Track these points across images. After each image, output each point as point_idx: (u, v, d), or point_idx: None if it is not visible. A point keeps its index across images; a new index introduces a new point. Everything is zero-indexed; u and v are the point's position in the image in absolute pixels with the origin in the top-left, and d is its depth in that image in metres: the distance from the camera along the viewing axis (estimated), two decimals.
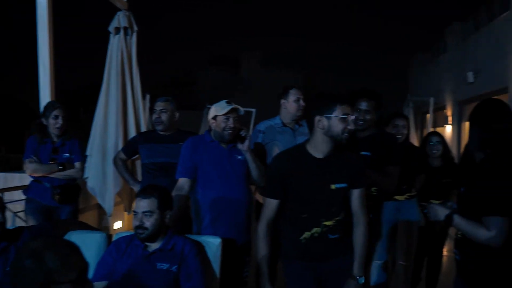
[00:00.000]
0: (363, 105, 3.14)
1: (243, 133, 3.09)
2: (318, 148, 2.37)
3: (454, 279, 2.22)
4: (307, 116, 3.72)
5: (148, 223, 2.41)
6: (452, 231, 2.70)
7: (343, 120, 2.30)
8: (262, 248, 2.43)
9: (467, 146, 3.04)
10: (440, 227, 4.02)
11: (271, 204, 2.43)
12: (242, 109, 3.12)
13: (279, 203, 2.43)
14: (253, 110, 12.27)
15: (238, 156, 3.13)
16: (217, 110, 3.10)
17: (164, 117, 3.72)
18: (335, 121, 2.30)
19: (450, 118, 14.30)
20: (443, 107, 14.90)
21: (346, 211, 2.48)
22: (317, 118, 2.32)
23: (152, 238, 2.44)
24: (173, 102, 3.80)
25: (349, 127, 2.31)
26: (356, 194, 2.47)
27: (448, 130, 14.42)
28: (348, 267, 2.44)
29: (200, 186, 3.10)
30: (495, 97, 11.45)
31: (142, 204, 2.43)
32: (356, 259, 2.45)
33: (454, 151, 12.82)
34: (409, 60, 20.45)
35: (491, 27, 11.68)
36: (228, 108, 3.05)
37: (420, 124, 17.36)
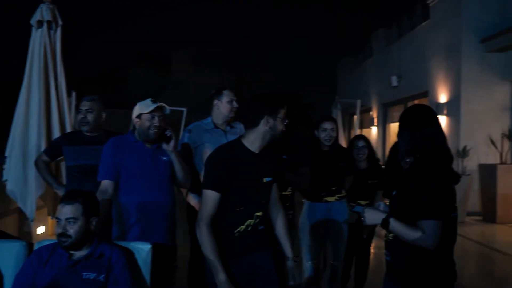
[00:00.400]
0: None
1: (168, 132, 3.01)
2: (256, 144, 2.47)
3: (384, 279, 2.30)
4: (239, 118, 3.74)
5: (72, 230, 2.28)
6: (379, 230, 2.79)
7: (282, 121, 2.49)
8: (208, 244, 2.32)
9: (392, 149, 3.20)
10: (369, 232, 4.17)
11: (212, 198, 2.36)
12: (168, 108, 3.04)
13: (219, 197, 2.37)
14: (184, 109, 12.12)
15: (163, 157, 3.05)
16: (142, 108, 2.99)
17: (90, 117, 3.55)
18: (278, 122, 2.47)
19: (375, 120, 14.93)
20: (369, 109, 15.53)
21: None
22: (266, 117, 2.44)
23: (76, 246, 2.31)
24: (99, 101, 3.63)
25: (283, 129, 2.51)
26: (275, 187, 2.66)
27: (374, 131, 15.05)
28: (265, 264, 2.58)
29: (123, 188, 2.97)
30: (417, 100, 12.13)
31: (65, 211, 2.30)
32: (286, 243, 2.65)
33: (379, 151, 13.42)
34: (337, 63, 21.11)
35: (413, 35, 12.32)
36: (153, 106, 2.95)
37: (348, 125, 17.99)
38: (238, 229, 2.44)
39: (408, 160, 2.19)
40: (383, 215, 2.11)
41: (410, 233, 2.04)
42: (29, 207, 4.32)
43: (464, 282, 2.13)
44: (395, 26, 14.06)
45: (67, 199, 2.35)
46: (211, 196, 2.36)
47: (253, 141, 2.47)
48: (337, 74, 20.97)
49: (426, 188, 2.04)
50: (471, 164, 8.79)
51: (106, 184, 2.92)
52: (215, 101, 3.57)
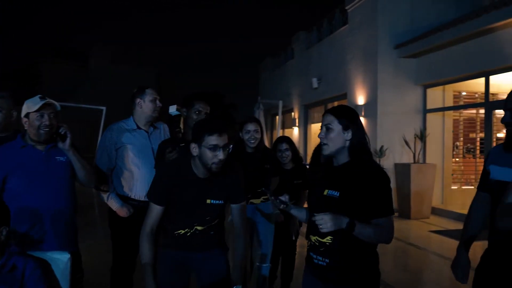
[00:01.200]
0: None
1: (62, 130, 2.82)
2: (199, 169, 2.44)
3: (307, 282, 2.26)
4: (161, 118, 3.63)
5: None
6: (303, 229, 2.82)
7: (213, 149, 2.34)
8: (144, 252, 2.41)
9: (316, 150, 3.20)
10: (297, 235, 4.22)
11: (155, 210, 2.47)
12: (58, 104, 2.84)
13: (163, 209, 2.48)
14: (103, 108, 11.67)
15: (59, 158, 2.85)
16: (29, 106, 2.76)
17: None
18: (205, 150, 2.35)
19: (297, 121, 15.27)
20: (291, 110, 15.86)
21: (220, 218, 2.66)
22: (192, 145, 2.39)
23: None
24: (9, 98, 3.33)
25: (219, 157, 2.35)
26: (236, 208, 2.62)
27: (295, 131, 15.39)
28: (216, 258, 2.62)
29: (13, 196, 2.71)
30: (336, 102, 12.57)
31: None
32: (236, 268, 2.51)
33: (301, 151, 13.73)
34: (259, 63, 21.33)
35: (332, 39, 12.75)
36: (41, 103, 2.73)
37: (270, 125, 18.26)
38: (178, 231, 2.54)
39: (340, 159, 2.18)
40: (346, 219, 1.97)
41: (379, 233, 2.03)
42: None
43: (383, 276, 2.18)
44: (315, 29, 14.46)
45: None
46: (154, 208, 2.48)
47: (196, 166, 2.45)
48: (259, 74, 21.20)
49: (379, 187, 2.06)
50: (387, 163, 9.23)
51: None
52: (138, 100, 3.43)
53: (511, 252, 2.16)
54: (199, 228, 2.54)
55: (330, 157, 2.18)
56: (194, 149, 2.38)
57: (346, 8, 11.51)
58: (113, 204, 3.34)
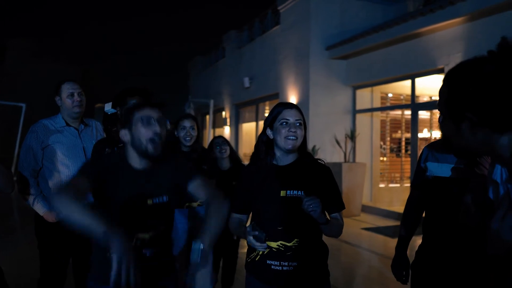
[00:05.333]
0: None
1: None
2: (134, 160, 2.02)
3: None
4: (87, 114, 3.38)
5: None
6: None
7: (146, 122, 1.97)
8: (71, 209, 1.70)
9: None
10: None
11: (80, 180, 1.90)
12: None
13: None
14: (23, 105, 10.92)
15: None
16: None
17: None
18: (137, 128, 1.97)
19: (228, 120, 15.20)
20: (222, 109, 15.76)
21: (167, 224, 2.13)
22: (122, 132, 2.01)
23: None
24: None
25: (155, 130, 1.96)
26: (194, 185, 2.07)
27: (226, 130, 15.31)
28: None
29: None
30: (268, 101, 12.64)
31: None
32: (206, 230, 1.91)
33: None
34: (188, 62, 21.03)
35: (264, 38, 12.81)
36: None
37: (201, 124, 18.05)
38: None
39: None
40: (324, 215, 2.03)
41: (337, 226, 2.12)
42: None
43: None
44: (247, 29, 14.46)
45: None
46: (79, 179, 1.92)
47: (131, 156, 2.03)
48: (189, 73, 20.90)
49: (333, 183, 2.16)
50: None
51: None
52: (57, 98, 3.21)
53: (445, 248, 2.26)
54: (143, 236, 2.02)
55: (269, 155, 2.15)
56: (125, 135, 1.99)
57: (279, 8, 11.60)
58: (40, 208, 3.05)
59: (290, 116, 2.09)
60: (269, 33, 12.49)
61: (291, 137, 2.06)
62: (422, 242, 2.42)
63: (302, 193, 2.03)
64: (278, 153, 2.14)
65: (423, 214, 2.50)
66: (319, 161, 2.19)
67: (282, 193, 2.06)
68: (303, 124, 2.12)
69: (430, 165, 2.38)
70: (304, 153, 2.17)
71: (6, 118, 10.47)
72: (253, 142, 13.06)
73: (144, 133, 1.95)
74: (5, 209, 8.07)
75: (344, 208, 2.18)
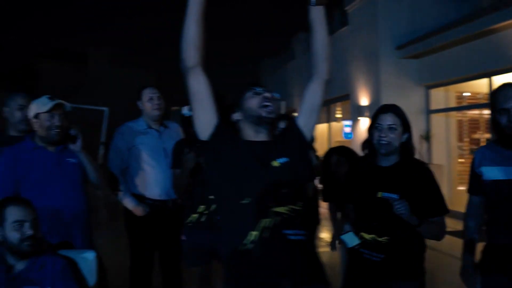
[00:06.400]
0: None
1: (73, 131, 2.81)
2: (250, 135, 1.97)
3: (362, 281, 2.31)
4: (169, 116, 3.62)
5: (39, 232, 2.17)
6: None
7: (255, 95, 1.96)
8: None
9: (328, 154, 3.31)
10: None
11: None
12: (68, 105, 2.82)
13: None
14: (105, 109, 11.61)
15: (71, 159, 2.83)
16: (39, 107, 2.73)
17: None
18: (249, 101, 1.95)
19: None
20: (294, 111, 15.85)
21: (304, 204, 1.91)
22: (235, 116, 1.99)
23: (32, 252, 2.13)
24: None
25: (264, 96, 1.94)
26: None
27: None
28: None
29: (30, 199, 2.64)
30: (339, 103, 12.59)
31: (28, 212, 2.15)
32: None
33: None
34: (257, 65, 21.31)
35: (333, 39, 12.75)
36: (51, 104, 2.71)
37: None
38: (248, 237, 1.77)
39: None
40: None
41: (436, 230, 2.25)
42: None
43: None
44: None
45: (18, 201, 2.19)
46: None
47: (247, 131, 1.97)
48: (259, 76, 21.19)
49: (435, 186, 2.25)
50: None
51: None
52: (138, 103, 3.47)
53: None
54: (279, 210, 1.80)
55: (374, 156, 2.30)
56: (237, 116, 1.96)
57: (346, 8, 11.54)
58: (128, 203, 3.34)
59: (383, 121, 2.24)
60: (337, 34, 12.44)
61: (382, 141, 2.21)
62: (487, 246, 2.41)
63: (397, 196, 2.14)
64: (379, 155, 2.29)
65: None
66: (421, 163, 2.32)
67: (379, 194, 2.20)
68: (403, 126, 2.26)
69: (485, 170, 2.37)
70: (407, 155, 2.27)
71: (90, 121, 11.21)
72: (325, 143, 13.07)
73: (256, 102, 1.92)
74: (94, 206, 8.73)
75: (447, 212, 2.27)
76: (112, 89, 22.41)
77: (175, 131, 3.61)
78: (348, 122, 12.26)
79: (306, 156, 2.10)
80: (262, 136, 1.93)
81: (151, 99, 3.42)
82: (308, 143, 2.02)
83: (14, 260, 2.12)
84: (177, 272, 3.39)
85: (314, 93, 2.03)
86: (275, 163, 1.85)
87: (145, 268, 3.37)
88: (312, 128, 2.03)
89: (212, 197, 2.79)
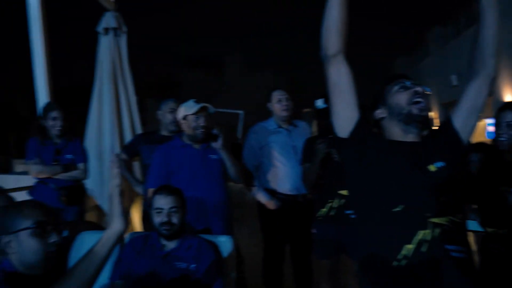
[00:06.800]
0: None
1: (215, 131, 3.09)
2: (397, 135, 1.76)
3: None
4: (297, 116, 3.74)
5: (176, 219, 2.40)
6: None
7: (404, 89, 1.75)
8: None
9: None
10: None
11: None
12: (212, 107, 3.12)
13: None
14: (241, 112, 12.32)
15: (213, 156, 3.12)
16: (186, 109, 3.08)
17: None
18: (397, 96, 1.75)
19: (435, 120, 14.55)
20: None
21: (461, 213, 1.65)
22: (377, 112, 1.81)
23: (176, 234, 2.43)
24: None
25: (415, 91, 1.73)
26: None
27: None
28: None
29: None
30: None
31: (168, 201, 2.42)
32: None
33: None
34: (391, 63, 20.69)
35: (472, 32, 11.87)
36: (197, 106, 3.04)
37: None
38: (401, 252, 1.54)
39: None
40: None
41: None
42: (105, 202, 4.51)
43: None
44: (451, 24, 13.63)
45: (167, 191, 2.47)
46: None
47: (393, 130, 1.77)
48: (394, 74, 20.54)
49: None
50: None
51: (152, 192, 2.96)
52: (268, 105, 3.65)
53: None
54: (437, 221, 1.55)
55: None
56: (381, 113, 1.78)
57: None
58: (261, 197, 3.56)
59: (502, 118, 2.26)
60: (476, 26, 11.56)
61: (501, 138, 2.23)
62: None
63: None
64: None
65: None
66: None
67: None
68: None
69: None
70: None
71: (227, 124, 11.98)
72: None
73: (406, 99, 1.72)
74: (233, 202, 9.31)
75: None
76: (246, 93, 23.51)
77: (304, 130, 3.74)
78: (491, 121, 11.34)
79: (464, 162, 1.92)
80: (411, 137, 1.72)
81: (279, 100, 3.59)
82: (465, 147, 1.76)
83: (165, 241, 2.43)
84: (307, 264, 3.51)
85: (478, 92, 1.76)
86: (432, 167, 1.63)
87: (277, 259, 3.55)
88: (471, 131, 1.75)
89: (342, 192, 2.89)
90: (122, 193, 1.60)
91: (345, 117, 1.73)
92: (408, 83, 1.74)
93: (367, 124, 1.76)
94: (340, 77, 1.71)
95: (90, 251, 1.52)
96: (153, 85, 27.08)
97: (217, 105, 3.59)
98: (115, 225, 1.57)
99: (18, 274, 1.53)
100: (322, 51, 1.72)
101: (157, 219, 2.42)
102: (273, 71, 26.97)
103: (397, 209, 1.56)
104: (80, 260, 1.51)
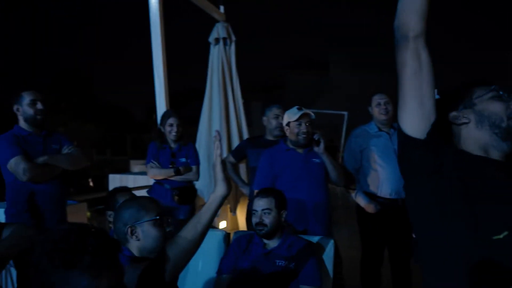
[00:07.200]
0: None
1: (316, 136, 3.23)
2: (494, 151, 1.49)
3: None
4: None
5: (267, 220, 2.61)
6: None
7: (500, 99, 1.50)
8: None
9: None
10: None
11: None
12: (313, 114, 3.28)
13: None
14: (345, 113, 12.22)
15: (315, 160, 3.27)
16: (290, 116, 3.27)
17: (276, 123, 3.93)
18: (487, 104, 1.49)
19: None
20: None
21: None
22: (452, 114, 1.53)
23: (270, 234, 2.63)
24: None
25: None
26: None
27: None
28: None
29: None
30: None
31: (261, 203, 2.64)
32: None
33: None
34: (508, 55, 19.10)
35: None
36: (299, 113, 3.21)
37: None
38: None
39: None
40: None
41: None
42: None
43: None
44: None
45: (263, 193, 2.70)
46: None
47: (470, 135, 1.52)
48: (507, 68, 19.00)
49: None
50: None
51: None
52: (369, 108, 3.70)
53: None
54: None
55: None
56: (462, 117, 1.51)
57: None
58: (361, 200, 3.62)
59: None
60: None
61: None
62: None
63: None
64: None
65: None
66: None
67: None
68: None
69: None
70: None
71: (330, 125, 12.00)
72: None
73: (501, 108, 1.46)
74: (333, 204, 9.36)
75: None
76: (351, 93, 23.20)
77: None
78: None
79: None
80: (497, 154, 1.47)
81: (378, 104, 3.63)
82: None
83: (266, 240, 2.65)
84: (406, 267, 3.51)
85: None
86: None
87: (375, 262, 3.59)
88: None
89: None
90: (223, 162, 1.85)
91: (421, 114, 1.44)
92: (503, 94, 1.48)
93: (440, 127, 1.49)
94: (420, 65, 1.42)
95: (198, 214, 1.81)
96: (259, 88, 27.85)
97: (322, 106, 3.72)
98: (218, 189, 1.82)
99: (137, 258, 1.82)
100: (398, 31, 1.44)
101: (253, 219, 2.66)
102: (380, 70, 26.28)
103: (499, 236, 1.34)
104: (189, 222, 1.80)
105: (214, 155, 1.86)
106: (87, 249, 1.14)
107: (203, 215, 1.80)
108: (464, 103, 1.51)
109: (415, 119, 1.44)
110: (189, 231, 1.78)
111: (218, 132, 1.94)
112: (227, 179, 1.84)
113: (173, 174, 3.81)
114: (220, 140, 1.86)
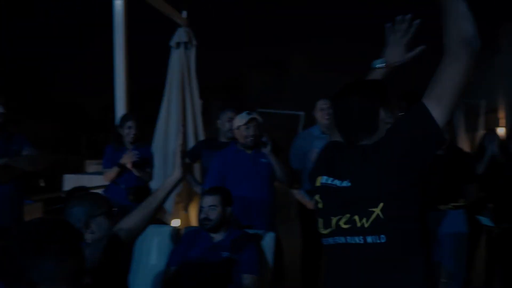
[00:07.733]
0: None
1: (264, 139, 3.56)
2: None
3: None
4: None
5: (212, 216, 2.86)
6: None
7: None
8: None
9: None
10: None
11: None
12: (260, 118, 3.59)
13: None
14: (301, 113, 12.52)
15: (263, 160, 3.58)
16: (239, 121, 3.56)
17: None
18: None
19: (501, 121, 14.05)
20: (495, 110, 14.58)
21: None
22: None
23: (215, 228, 2.88)
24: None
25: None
26: None
27: (500, 132, 14.11)
28: None
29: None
30: None
31: (207, 200, 2.90)
32: None
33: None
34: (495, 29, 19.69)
35: None
36: (248, 118, 3.51)
37: (471, 126, 16.94)
38: None
39: None
40: None
41: None
42: (168, 202, 4.97)
43: None
44: None
45: (210, 191, 2.97)
46: None
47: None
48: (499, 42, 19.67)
49: None
50: None
51: None
52: (313, 112, 3.99)
53: None
54: None
55: None
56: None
57: None
58: (302, 198, 3.94)
59: None
60: None
61: None
62: None
63: None
64: None
65: None
66: None
67: None
68: None
69: None
70: None
71: (288, 126, 12.27)
72: None
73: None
74: (284, 202, 9.60)
75: None
76: (310, 94, 23.57)
77: None
78: None
79: None
80: None
81: (322, 109, 3.92)
82: None
83: (213, 234, 2.90)
84: None
85: None
86: None
87: (314, 254, 3.89)
88: None
89: None
90: (183, 151, 2.07)
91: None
92: None
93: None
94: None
95: (153, 193, 2.05)
96: (219, 87, 27.93)
97: (280, 107, 3.97)
98: (175, 174, 2.04)
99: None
100: (477, 41, 1.49)
101: (200, 215, 2.92)
102: (340, 71, 26.79)
103: None
104: (145, 200, 2.03)
105: (176, 144, 2.10)
106: (55, 239, 1.37)
107: (158, 193, 2.02)
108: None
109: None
110: (145, 207, 1.99)
111: (183, 126, 2.19)
112: (185, 166, 2.05)
113: (117, 169, 3.98)
114: (184, 133, 2.09)
